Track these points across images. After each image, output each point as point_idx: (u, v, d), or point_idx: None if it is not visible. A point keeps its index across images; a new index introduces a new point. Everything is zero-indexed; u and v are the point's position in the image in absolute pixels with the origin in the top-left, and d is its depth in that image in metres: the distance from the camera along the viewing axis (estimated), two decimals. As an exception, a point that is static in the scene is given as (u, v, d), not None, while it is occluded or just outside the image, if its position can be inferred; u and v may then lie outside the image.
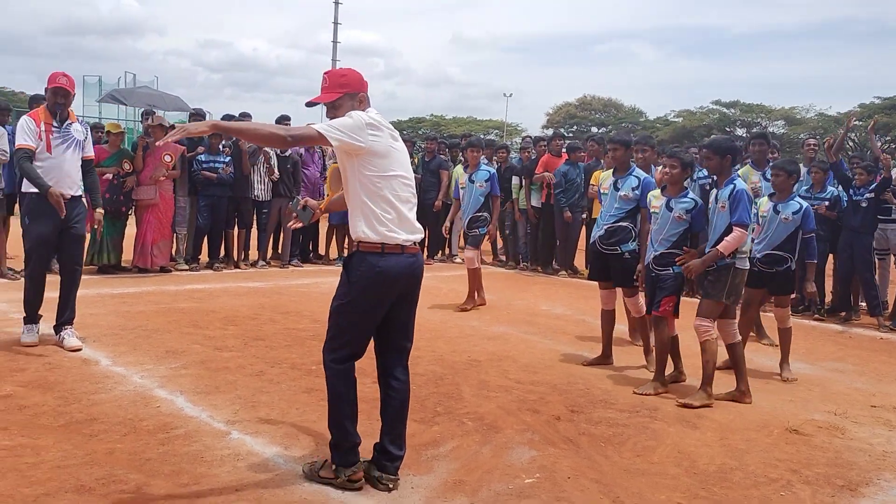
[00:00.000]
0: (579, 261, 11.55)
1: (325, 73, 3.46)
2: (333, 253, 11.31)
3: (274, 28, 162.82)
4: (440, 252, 12.54)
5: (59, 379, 4.73)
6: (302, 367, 5.30)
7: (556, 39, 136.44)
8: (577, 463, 3.82)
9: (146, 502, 3.14)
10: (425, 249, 12.24)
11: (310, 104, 3.52)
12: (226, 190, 9.72)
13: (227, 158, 9.68)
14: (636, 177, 5.78)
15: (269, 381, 4.95)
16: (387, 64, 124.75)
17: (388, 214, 3.30)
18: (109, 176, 8.77)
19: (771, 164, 7.00)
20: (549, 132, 20.08)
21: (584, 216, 11.04)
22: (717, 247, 4.89)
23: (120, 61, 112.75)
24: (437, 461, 3.77)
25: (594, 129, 55.51)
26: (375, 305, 3.34)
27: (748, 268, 5.11)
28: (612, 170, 6.04)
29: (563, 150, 11.38)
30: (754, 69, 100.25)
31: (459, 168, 8.55)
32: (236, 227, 10.17)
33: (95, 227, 6.01)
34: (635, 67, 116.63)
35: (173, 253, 9.63)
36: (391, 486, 3.40)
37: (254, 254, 10.60)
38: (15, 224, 8.71)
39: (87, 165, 5.69)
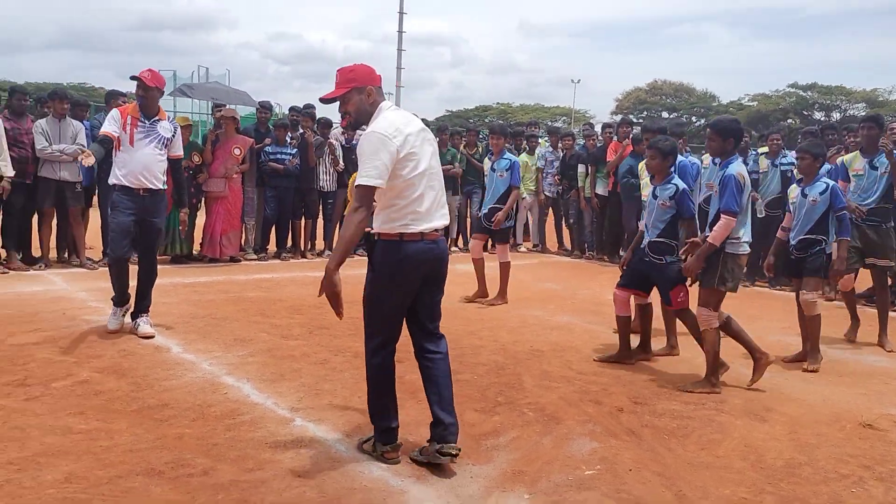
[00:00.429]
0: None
1: (336, 70, 3.59)
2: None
3: (341, 19, 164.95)
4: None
5: (133, 365, 4.90)
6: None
7: (625, 23, 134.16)
8: (639, 455, 3.76)
9: (212, 486, 3.23)
10: (489, 238, 12.20)
11: (323, 100, 3.68)
12: (292, 181, 9.90)
13: (294, 150, 9.85)
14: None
15: (332, 369, 5.03)
16: (453, 52, 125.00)
17: (407, 212, 3.43)
18: (181, 168, 9.02)
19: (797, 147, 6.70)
20: (619, 118, 19.70)
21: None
22: (708, 239, 4.81)
23: (193, 55, 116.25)
24: (497, 451, 3.76)
25: (665, 115, 54.36)
26: (401, 291, 3.48)
27: (745, 252, 4.93)
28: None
29: (628, 140, 11.18)
30: (833, 50, 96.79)
31: (486, 160, 8.28)
32: (303, 218, 10.36)
33: (180, 227, 6.20)
34: (707, 50, 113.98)
35: (242, 243, 9.87)
36: (454, 452, 3.48)
37: (320, 243, 10.78)
38: (94, 216, 9.08)
39: (175, 164, 5.87)
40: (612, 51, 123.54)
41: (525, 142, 12.40)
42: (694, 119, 51.68)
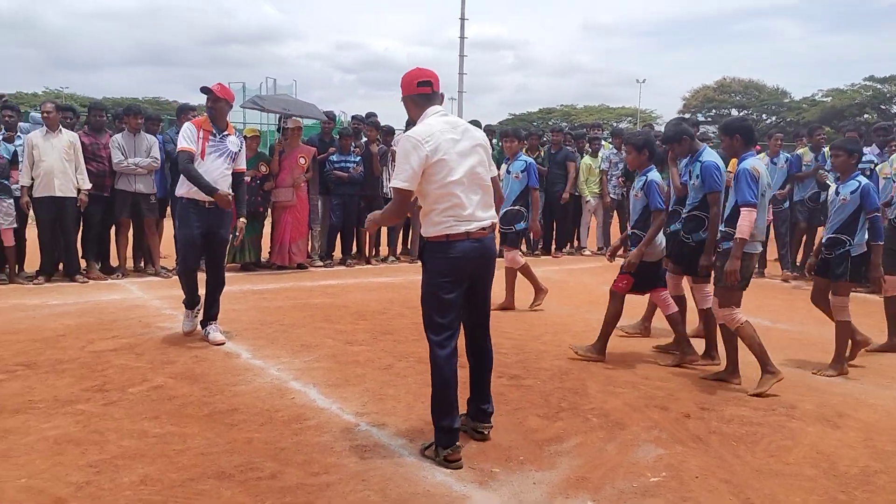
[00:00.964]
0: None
1: None
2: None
3: (404, 27, 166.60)
4: (568, 244, 12.40)
5: (205, 371, 5.06)
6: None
7: (692, 20, 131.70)
8: (706, 462, 3.69)
9: (280, 489, 3.31)
10: (553, 242, 12.16)
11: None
12: (357, 189, 10.06)
13: (358, 158, 10.00)
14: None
15: (396, 374, 5.08)
16: (516, 55, 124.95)
17: (448, 216, 3.59)
18: (248, 178, 9.26)
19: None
20: (686, 118, 19.25)
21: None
22: (736, 235, 4.82)
23: (262, 67, 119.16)
24: (560, 457, 3.74)
25: (734, 112, 53.05)
26: (452, 287, 3.62)
27: (756, 251, 4.99)
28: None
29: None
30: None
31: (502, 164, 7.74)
32: (367, 225, 10.48)
33: (237, 234, 6.35)
34: (778, 45, 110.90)
35: (309, 250, 10.07)
36: (486, 432, 3.88)
37: (384, 250, 10.90)
38: (168, 226, 9.40)
39: (237, 177, 5.92)
40: (678, 49, 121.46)
41: (588, 144, 12.30)
42: (764, 116, 50.32)
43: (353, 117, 11.46)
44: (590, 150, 12.17)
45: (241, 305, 7.20)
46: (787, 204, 9.99)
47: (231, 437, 3.87)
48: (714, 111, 55.20)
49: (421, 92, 3.73)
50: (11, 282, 8.07)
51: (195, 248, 5.82)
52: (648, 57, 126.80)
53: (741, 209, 4.82)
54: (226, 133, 5.82)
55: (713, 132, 33.41)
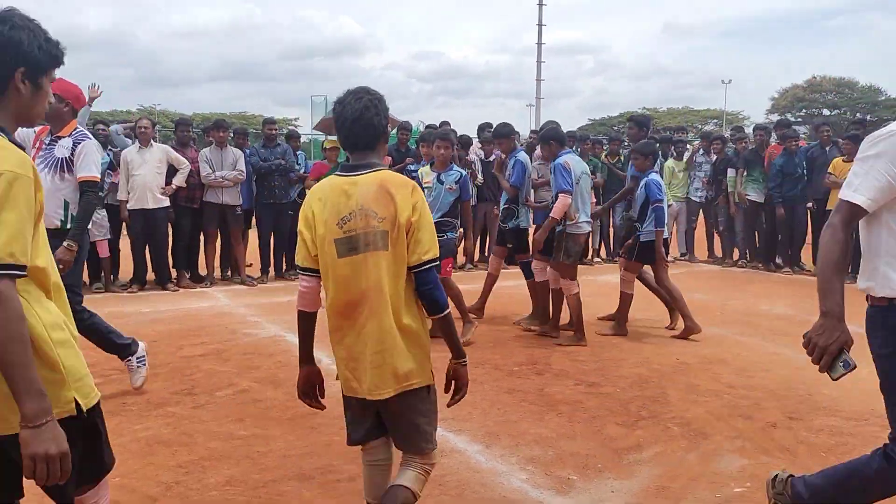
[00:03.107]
0: (807, 256, 10.70)
1: None
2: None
3: (482, 35, 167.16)
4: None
5: (288, 376, 5.18)
6: (504, 367, 5.40)
7: (779, 18, 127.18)
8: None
9: (358, 492, 3.35)
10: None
11: None
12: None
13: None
14: None
15: (472, 381, 5.03)
16: (595, 60, 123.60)
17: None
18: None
19: None
20: (775, 118, 18.69)
21: (811, 206, 10.24)
22: (551, 215, 6.16)
23: (343, 79, 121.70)
24: (640, 466, 3.68)
25: (825, 112, 51.00)
26: None
27: (582, 232, 6.27)
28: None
29: (776, 140, 10.64)
30: None
31: (427, 167, 6.84)
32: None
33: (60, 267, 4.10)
34: (871, 41, 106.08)
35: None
36: None
37: (461, 257, 10.93)
38: (253, 236, 9.70)
39: (81, 187, 4.56)
40: (765, 48, 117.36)
41: (672, 147, 12.01)
42: (858, 115, 48.18)
43: (426, 127, 11.57)
44: (674, 153, 11.89)
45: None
46: None
47: (312, 441, 3.97)
48: (805, 111, 53.17)
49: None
50: (107, 290, 8.50)
51: None
52: (734, 57, 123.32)
53: (558, 195, 6.02)
54: (59, 136, 4.55)
55: (804, 133, 32.22)
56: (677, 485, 3.45)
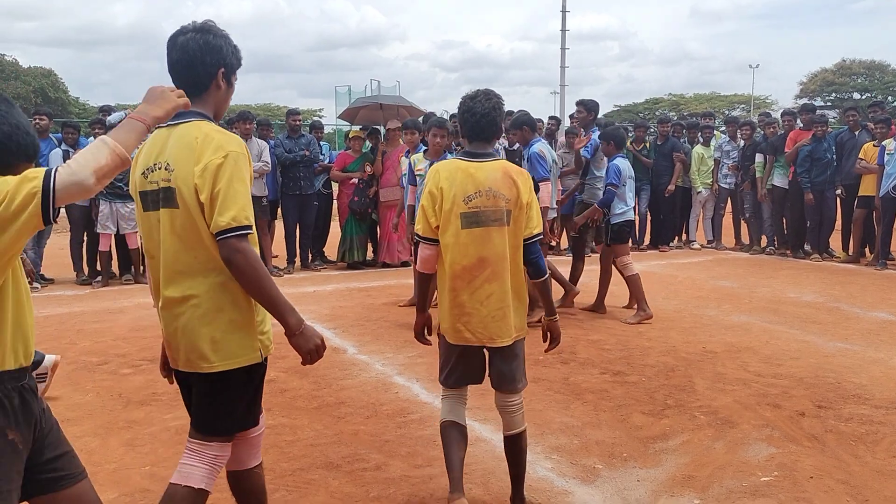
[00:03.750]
0: (836, 242, 10.55)
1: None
2: (564, 243, 11.32)
3: (506, 23, 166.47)
4: (676, 238, 12.06)
5: (314, 366, 5.22)
6: (529, 356, 5.32)
7: (807, 2, 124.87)
8: (821, 462, 3.53)
9: (384, 480, 3.40)
10: (659, 236, 11.85)
11: None
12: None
13: (459, 156, 10.07)
14: None
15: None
16: (621, 46, 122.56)
17: None
18: (356, 179, 9.52)
19: None
20: (802, 103, 18.35)
21: (840, 192, 10.08)
22: (540, 205, 6.40)
23: (368, 70, 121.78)
24: (666, 455, 3.67)
25: (856, 96, 50.09)
26: None
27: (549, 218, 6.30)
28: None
29: (800, 125, 10.50)
30: None
31: (420, 154, 6.82)
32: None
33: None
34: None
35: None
36: None
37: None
38: (279, 227, 9.77)
39: None
40: (793, 31, 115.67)
41: (699, 133, 11.88)
42: (890, 98, 47.25)
43: (450, 117, 11.55)
44: (701, 139, 11.76)
45: (347, 302, 7.40)
46: None
47: (338, 430, 4.00)
48: (835, 94, 52.25)
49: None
50: (136, 282, 8.60)
51: None
52: (762, 41, 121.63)
53: (539, 183, 5.87)
54: None
55: (834, 116, 31.67)
56: (703, 474, 3.44)
